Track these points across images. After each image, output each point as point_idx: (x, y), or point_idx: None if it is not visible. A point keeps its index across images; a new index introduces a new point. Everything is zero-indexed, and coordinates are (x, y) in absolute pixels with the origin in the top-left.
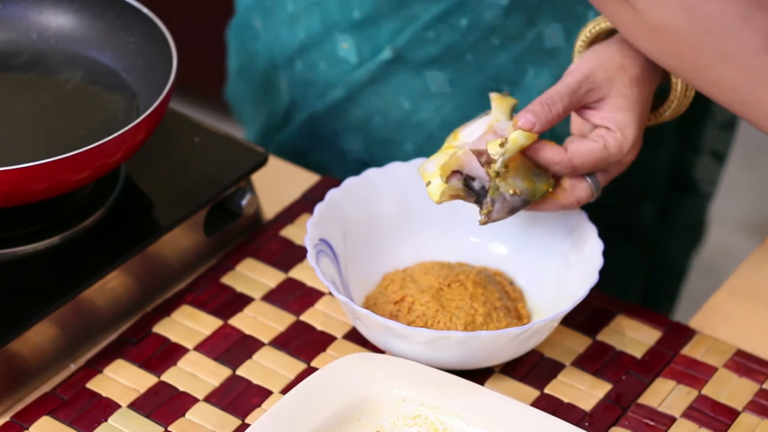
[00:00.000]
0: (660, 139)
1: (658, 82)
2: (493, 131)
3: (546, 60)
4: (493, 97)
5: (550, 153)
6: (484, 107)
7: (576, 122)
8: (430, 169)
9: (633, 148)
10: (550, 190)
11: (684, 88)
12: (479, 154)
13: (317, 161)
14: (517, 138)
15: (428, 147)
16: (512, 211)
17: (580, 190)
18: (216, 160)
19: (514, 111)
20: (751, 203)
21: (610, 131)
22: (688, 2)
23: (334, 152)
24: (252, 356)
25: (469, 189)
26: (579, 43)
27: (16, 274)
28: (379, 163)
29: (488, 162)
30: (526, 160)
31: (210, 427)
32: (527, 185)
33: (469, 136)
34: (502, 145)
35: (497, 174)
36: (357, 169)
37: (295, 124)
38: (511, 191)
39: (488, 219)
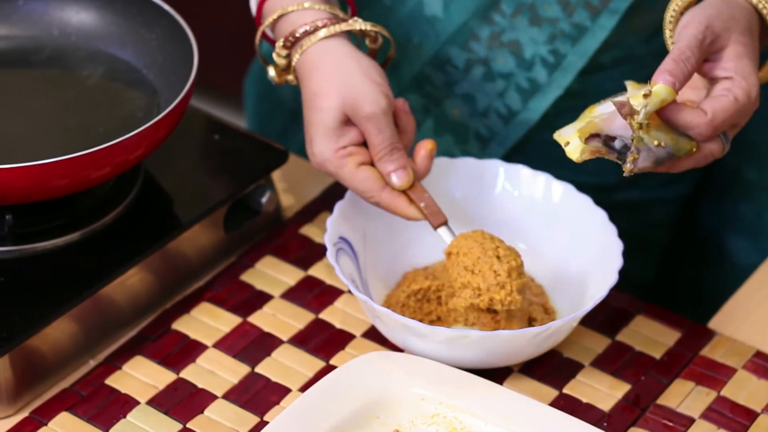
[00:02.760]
0: None
1: (765, 41)
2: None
3: None
4: (629, 83)
5: (690, 116)
6: None
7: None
8: (567, 132)
9: (757, 95)
10: (694, 150)
11: None
12: (621, 105)
13: None
14: (660, 90)
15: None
16: (657, 162)
17: (713, 144)
18: (236, 157)
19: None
20: None
21: (734, 81)
22: None
23: None
24: (271, 354)
25: (609, 148)
26: (669, 15)
27: (36, 270)
28: None
29: (631, 113)
30: (668, 125)
31: (228, 424)
32: (671, 140)
33: (604, 110)
34: (645, 96)
35: (640, 126)
36: None
37: None
38: (655, 142)
39: (634, 167)
